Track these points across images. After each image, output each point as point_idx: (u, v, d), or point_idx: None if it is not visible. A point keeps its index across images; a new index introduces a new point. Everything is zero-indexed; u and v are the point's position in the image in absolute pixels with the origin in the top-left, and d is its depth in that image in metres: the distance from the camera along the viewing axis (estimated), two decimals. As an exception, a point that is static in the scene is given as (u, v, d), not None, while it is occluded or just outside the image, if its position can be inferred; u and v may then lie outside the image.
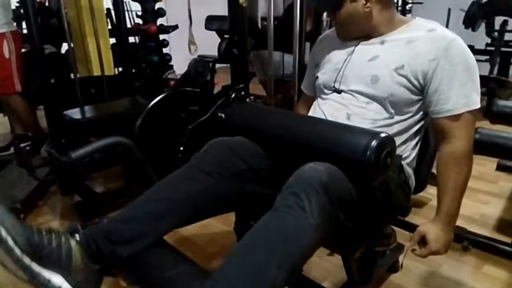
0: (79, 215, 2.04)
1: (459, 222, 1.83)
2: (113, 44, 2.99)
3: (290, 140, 1.00)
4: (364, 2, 1.09)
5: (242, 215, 1.46)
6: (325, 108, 1.17)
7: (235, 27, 1.56)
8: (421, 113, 1.13)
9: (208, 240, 1.83)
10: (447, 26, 4.10)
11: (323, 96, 1.22)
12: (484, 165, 2.54)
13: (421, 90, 1.08)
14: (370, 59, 1.11)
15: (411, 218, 1.97)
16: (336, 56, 1.20)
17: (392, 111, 1.09)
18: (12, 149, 2.66)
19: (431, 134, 1.25)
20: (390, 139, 0.90)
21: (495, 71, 4.06)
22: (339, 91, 1.16)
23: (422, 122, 1.15)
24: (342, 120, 1.11)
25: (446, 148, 1.08)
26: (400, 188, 1.10)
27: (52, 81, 2.89)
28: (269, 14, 1.44)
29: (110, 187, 2.36)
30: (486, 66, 3.97)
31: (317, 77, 1.25)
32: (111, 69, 2.89)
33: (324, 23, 1.95)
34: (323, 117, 1.15)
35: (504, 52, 4.17)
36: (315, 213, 0.82)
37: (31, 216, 2.09)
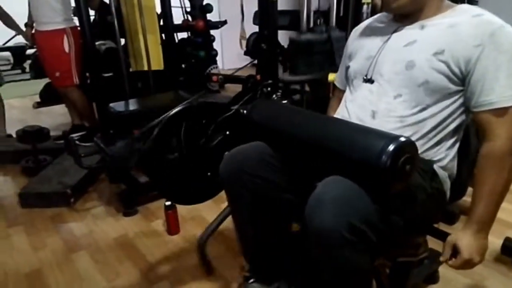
0: (122, 203, 2.15)
1: (510, 233, 1.68)
2: (164, 40, 3.09)
3: (305, 140, 0.96)
4: None
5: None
6: (351, 107, 1.11)
7: (265, 22, 1.53)
8: (459, 107, 1.02)
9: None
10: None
11: (352, 89, 1.16)
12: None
13: (462, 79, 0.97)
14: (406, 44, 1.03)
15: (459, 226, 1.84)
16: (370, 44, 1.13)
17: (427, 101, 0.99)
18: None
19: (472, 133, 1.13)
20: (410, 143, 0.82)
21: None
22: (371, 81, 1.08)
23: (460, 119, 1.04)
24: (367, 119, 1.04)
25: (486, 147, 0.97)
26: (432, 198, 1.01)
27: (110, 74, 3.07)
28: (301, 10, 1.39)
29: (153, 177, 2.46)
30: None
31: (349, 66, 1.19)
32: (160, 64, 2.98)
33: (364, 15, 1.85)
34: (347, 117, 1.10)
35: None
36: (353, 258, 0.87)
37: (80, 201, 2.24)
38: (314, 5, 2.25)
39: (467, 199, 1.40)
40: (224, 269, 1.62)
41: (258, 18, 1.57)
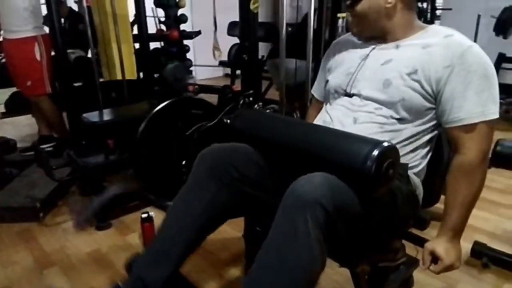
0: (95, 216, 2.08)
1: (481, 238, 1.76)
2: (137, 49, 3.06)
3: (290, 147, 0.98)
4: None
5: (250, 221, 1.45)
6: (333, 113, 1.15)
7: (246, 33, 1.55)
8: (434, 122, 1.08)
9: (219, 246, 1.83)
10: (476, 33, 3.96)
11: (332, 101, 1.20)
12: (511, 178, 2.42)
13: (434, 97, 1.03)
14: (383, 63, 1.08)
15: (429, 231, 1.91)
16: (349, 61, 1.17)
17: (405, 115, 1.05)
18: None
19: (445, 144, 1.19)
20: (393, 148, 0.86)
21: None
22: (350, 95, 1.13)
23: (434, 132, 1.10)
24: (349, 124, 1.08)
25: (457, 160, 1.03)
26: (408, 200, 1.06)
27: (80, 84, 2.99)
28: (280, 22, 1.42)
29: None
30: (519, 75, 3.81)
31: (327, 81, 1.23)
32: (133, 74, 2.95)
33: (340, 29, 1.92)
34: (329, 121, 1.13)
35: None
36: (312, 235, 0.82)
37: (50, 215, 2.15)
38: (289, 18, 2.30)
39: (437, 205, 1.47)
40: (205, 283, 1.60)
41: (239, 29, 1.59)
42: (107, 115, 2.04)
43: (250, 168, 1.09)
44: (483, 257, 1.62)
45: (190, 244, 1.09)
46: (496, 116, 0.99)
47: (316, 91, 1.38)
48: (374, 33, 1.12)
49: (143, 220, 1.82)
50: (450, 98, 1.00)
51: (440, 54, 1.00)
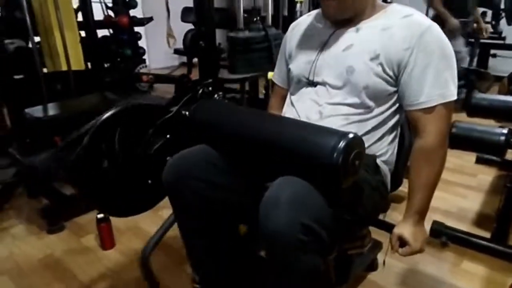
0: (46, 219, 1.94)
1: (437, 217, 1.82)
2: (84, 38, 2.86)
3: (256, 142, 0.93)
4: None
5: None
6: (299, 106, 1.11)
7: (202, 18, 1.46)
8: (397, 105, 1.07)
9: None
10: (427, 14, 4.07)
11: (295, 91, 1.16)
12: (462, 158, 2.53)
13: (396, 80, 1.02)
14: (344, 49, 1.05)
15: (390, 214, 1.96)
16: (309, 46, 1.13)
17: (369, 103, 1.03)
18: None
19: (406, 129, 1.20)
20: (359, 140, 0.84)
21: (475, 63, 4.07)
22: (314, 84, 1.09)
23: (398, 116, 1.09)
24: (315, 118, 1.05)
25: (418, 143, 1.03)
26: (377, 191, 1.05)
27: (21, 76, 2.75)
28: (237, 7, 1.36)
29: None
30: (466, 58, 3.97)
31: (289, 69, 1.19)
32: (80, 64, 2.75)
33: (298, 13, 1.89)
34: (296, 116, 1.09)
35: (483, 44, 4.18)
36: (309, 261, 0.85)
37: (-5, 220, 1.98)
38: (245, 3, 2.24)
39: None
40: (170, 281, 1.54)
41: (194, 14, 1.52)
42: (52, 109, 1.87)
43: (212, 174, 1.04)
44: (442, 236, 1.67)
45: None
46: (455, 97, 0.99)
47: (277, 78, 1.32)
48: (350, 14, 1.05)
49: (99, 221, 1.72)
50: (411, 80, 0.99)
51: (399, 36, 0.99)
